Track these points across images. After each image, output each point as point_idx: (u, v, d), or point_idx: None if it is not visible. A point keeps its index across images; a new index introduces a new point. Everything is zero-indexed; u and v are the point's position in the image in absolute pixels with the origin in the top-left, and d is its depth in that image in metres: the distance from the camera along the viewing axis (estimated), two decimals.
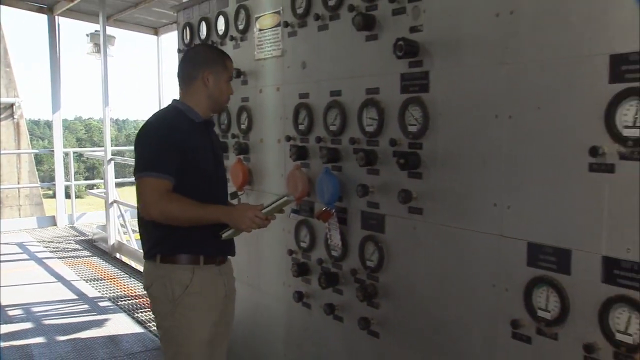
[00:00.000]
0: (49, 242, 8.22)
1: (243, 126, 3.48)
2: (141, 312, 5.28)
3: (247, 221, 2.37)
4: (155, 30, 9.21)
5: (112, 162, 7.84)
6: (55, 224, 9.30)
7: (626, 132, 1.66)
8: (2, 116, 11.52)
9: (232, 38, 3.49)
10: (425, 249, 2.33)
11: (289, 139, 3.04)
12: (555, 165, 1.86)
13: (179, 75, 2.61)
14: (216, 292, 2.55)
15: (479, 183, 2.10)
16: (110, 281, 6.33)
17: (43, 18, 8.99)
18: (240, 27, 3.41)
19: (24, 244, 8.08)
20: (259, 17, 3.26)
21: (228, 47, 3.48)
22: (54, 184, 9.49)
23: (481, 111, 2.07)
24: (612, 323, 1.72)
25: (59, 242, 8.22)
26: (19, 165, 11.88)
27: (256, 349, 3.55)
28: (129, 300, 5.66)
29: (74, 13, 8.88)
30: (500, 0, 1.99)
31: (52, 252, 7.64)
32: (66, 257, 7.35)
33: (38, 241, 8.24)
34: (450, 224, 2.21)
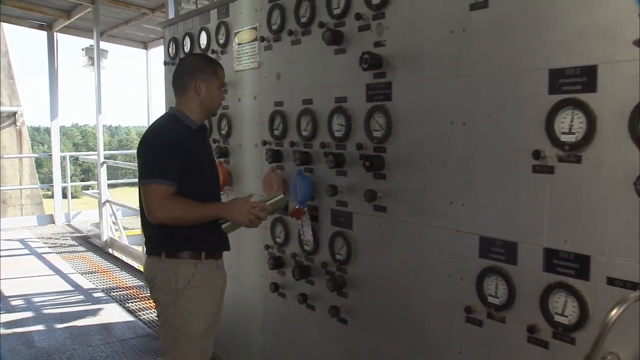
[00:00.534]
0: (47, 238, 8.08)
1: (223, 132, 3.44)
2: (131, 302, 5.21)
3: (244, 214, 2.35)
4: (145, 45, 9.14)
5: (105, 165, 7.71)
6: (53, 222, 9.15)
7: (563, 138, 1.67)
8: (5, 123, 11.41)
9: (213, 51, 3.44)
10: (389, 244, 2.32)
11: (265, 143, 3.01)
12: (504, 167, 1.86)
13: (173, 85, 2.53)
14: (214, 285, 2.51)
15: (437, 183, 2.09)
16: (103, 274, 6.23)
17: (43, 34, 8.96)
18: (221, 41, 3.36)
19: (25, 240, 7.96)
20: (238, 32, 3.22)
21: None
22: (53, 185, 9.36)
23: (438, 118, 2.07)
24: (552, 307, 1.74)
25: (57, 239, 8.08)
26: (21, 168, 11.80)
27: (236, 335, 3.51)
28: (120, 291, 5.59)
29: (71, 29, 8.82)
30: (454, 19, 1.99)
31: (50, 247, 7.51)
32: (63, 252, 7.23)
33: (38, 237, 8.10)
34: (412, 220, 2.21)
